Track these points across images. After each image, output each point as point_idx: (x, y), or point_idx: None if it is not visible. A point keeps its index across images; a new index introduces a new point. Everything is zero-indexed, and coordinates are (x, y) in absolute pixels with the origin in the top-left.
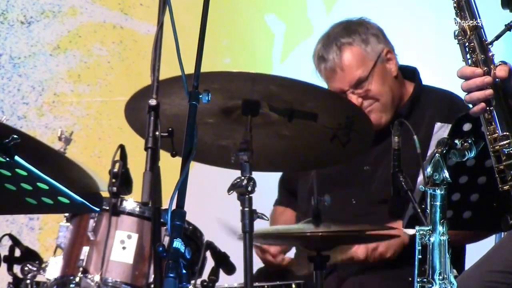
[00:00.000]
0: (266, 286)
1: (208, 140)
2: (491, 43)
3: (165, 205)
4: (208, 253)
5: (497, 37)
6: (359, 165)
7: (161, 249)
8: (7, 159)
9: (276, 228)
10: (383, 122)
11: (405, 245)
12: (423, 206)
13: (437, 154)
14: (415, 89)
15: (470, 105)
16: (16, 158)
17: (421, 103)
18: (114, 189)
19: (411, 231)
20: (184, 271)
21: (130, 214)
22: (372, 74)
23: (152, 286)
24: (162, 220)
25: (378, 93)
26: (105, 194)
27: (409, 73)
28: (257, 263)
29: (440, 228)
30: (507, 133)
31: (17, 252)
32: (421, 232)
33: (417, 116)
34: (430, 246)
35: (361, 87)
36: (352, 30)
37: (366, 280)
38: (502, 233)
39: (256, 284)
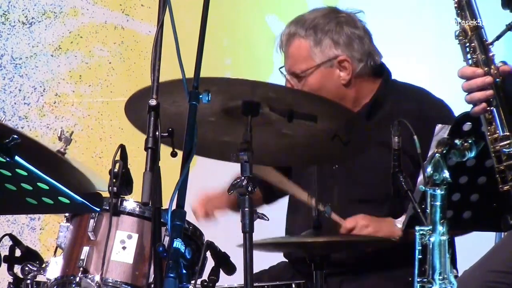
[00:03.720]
0: (266, 286)
1: (210, 136)
2: (492, 43)
3: (165, 205)
4: (208, 253)
5: (498, 37)
6: (329, 165)
7: (161, 249)
8: (8, 159)
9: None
10: None
11: (396, 239)
12: (423, 206)
13: (437, 154)
14: (379, 87)
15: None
16: (16, 158)
17: (389, 101)
18: (115, 189)
19: (400, 224)
20: (184, 271)
21: (130, 214)
22: (310, 74)
23: (152, 286)
24: (162, 220)
25: (317, 88)
26: (105, 194)
27: (378, 71)
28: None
29: (440, 228)
30: (508, 133)
31: (18, 252)
32: (421, 232)
33: (383, 114)
34: (430, 246)
35: (297, 79)
36: (314, 26)
37: (365, 280)
38: (502, 233)
39: (256, 284)
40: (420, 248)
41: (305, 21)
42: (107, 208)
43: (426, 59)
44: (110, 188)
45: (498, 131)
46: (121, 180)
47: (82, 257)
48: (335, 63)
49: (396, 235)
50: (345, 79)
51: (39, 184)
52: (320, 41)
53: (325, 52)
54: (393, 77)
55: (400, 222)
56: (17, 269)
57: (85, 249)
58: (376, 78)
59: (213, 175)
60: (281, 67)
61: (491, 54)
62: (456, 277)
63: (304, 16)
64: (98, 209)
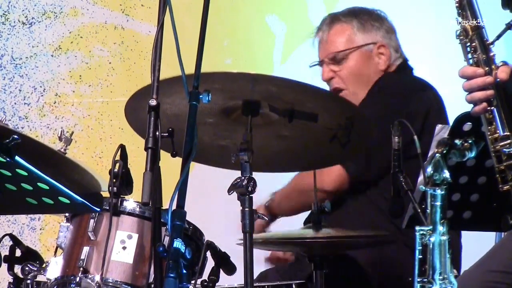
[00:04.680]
0: (266, 286)
1: (208, 140)
2: (493, 43)
3: (165, 205)
4: (208, 253)
5: (498, 37)
6: None
7: (161, 249)
8: (8, 159)
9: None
10: None
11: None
12: (423, 206)
13: (437, 154)
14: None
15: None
16: (17, 158)
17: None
18: (115, 189)
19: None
20: (184, 271)
21: (130, 214)
22: (351, 57)
23: (152, 286)
24: (162, 220)
25: (347, 80)
26: (105, 194)
27: (404, 66)
28: (258, 263)
29: (440, 228)
30: (508, 133)
31: (18, 252)
32: (421, 232)
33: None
34: (430, 246)
35: (336, 63)
36: (355, 14)
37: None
38: (502, 233)
39: (257, 284)
40: (420, 248)
41: (341, 12)
42: (107, 208)
43: (426, 59)
44: (110, 188)
45: (498, 131)
46: (121, 180)
47: (82, 257)
48: (375, 49)
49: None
50: (383, 65)
51: (39, 184)
52: (363, 26)
53: (366, 36)
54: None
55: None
56: (17, 269)
57: (85, 249)
58: (402, 72)
59: (213, 175)
60: (313, 64)
61: (491, 54)
62: (456, 277)
63: (342, 11)
64: (98, 209)
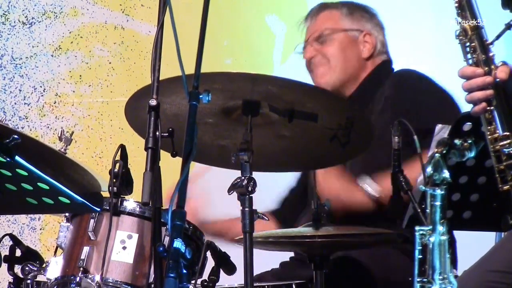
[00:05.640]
0: (266, 286)
1: (208, 140)
2: (492, 43)
3: (165, 205)
4: (208, 253)
5: (498, 37)
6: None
7: (161, 249)
8: (8, 159)
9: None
10: (324, 81)
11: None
12: (423, 206)
13: (437, 154)
14: (373, 70)
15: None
16: (17, 158)
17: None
18: (115, 189)
19: (366, 186)
20: (184, 271)
21: (130, 214)
22: (336, 38)
23: (152, 286)
24: (162, 220)
25: (331, 55)
26: (105, 194)
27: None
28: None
29: (440, 228)
30: (508, 133)
31: (18, 252)
32: (421, 232)
33: (368, 98)
34: (430, 246)
35: (321, 42)
36: (346, 4)
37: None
38: (502, 233)
39: (257, 284)
40: (420, 248)
41: (337, 2)
42: (107, 208)
43: (426, 58)
44: (110, 188)
45: (498, 131)
46: (121, 180)
47: (82, 257)
48: (360, 36)
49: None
50: (367, 53)
51: (39, 184)
52: (351, 14)
53: (354, 23)
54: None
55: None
56: (17, 269)
57: (85, 249)
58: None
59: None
60: (298, 46)
61: (491, 54)
62: (456, 277)
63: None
64: (98, 209)
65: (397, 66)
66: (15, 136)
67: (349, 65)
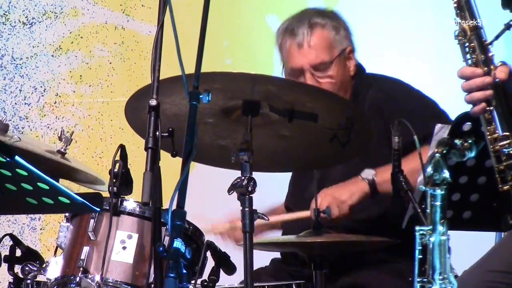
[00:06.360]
0: (266, 286)
1: (208, 140)
2: (491, 43)
3: (165, 205)
4: (208, 253)
5: (497, 37)
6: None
7: (161, 249)
8: (8, 159)
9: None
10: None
11: (367, 193)
12: (423, 206)
13: (437, 154)
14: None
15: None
16: (17, 158)
17: (361, 95)
18: (115, 189)
19: (368, 174)
20: (184, 271)
21: (130, 214)
22: (335, 63)
23: (152, 286)
24: (162, 220)
25: (338, 79)
26: (105, 194)
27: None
28: (258, 264)
29: (440, 228)
30: (507, 133)
31: (18, 252)
32: (421, 232)
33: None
34: (430, 246)
35: (322, 70)
36: (327, 15)
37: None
38: (502, 233)
39: (256, 284)
40: (420, 248)
41: (312, 13)
42: (107, 208)
43: (426, 59)
44: (110, 188)
45: (497, 131)
46: (121, 180)
47: (82, 257)
48: (346, 53)
49: (367, 190)
50: (353, 71)
51: (39, 184)
52: (338, 28)
53: (342, 41)
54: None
55: (365, 173)
56: (17, 269)
57: (85, 249)
58: (359, 73)
59: (213, 175)
60: (283, 68)
61: (490, 54)
62: (456, 277)
63: (306, 11)
64: (98, 209)
65: (397, 66)
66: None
67: (345, 87)
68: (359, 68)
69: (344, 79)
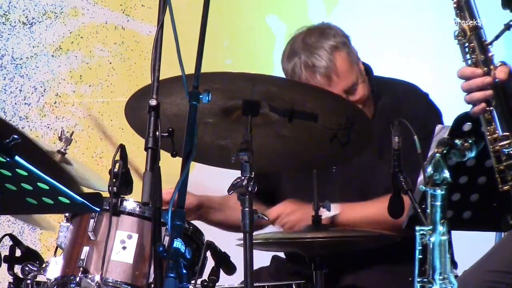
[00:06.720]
0: (266, 286)
1: (208, 140)
2: (491, 43)
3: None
4: (208, 253)
5: (497, 37)
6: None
7: (161, 249)
8: (8, 159)
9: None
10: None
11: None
12: (423, 206)
13: (437, 154)
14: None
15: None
16: (17, 158)
17: (376, 97)
18: (115, 189)
19: (328, 211)
20: (184, 271)
21: (130, 214)
22: (359, 77)
23: (152, 286)
24: (162, 220)
25: (364, 96)
26: (105, 194)
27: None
28: (258, 264)
29: (440, 228)
30: (507, 133)
31: (18, 252)
32: (421, 232)
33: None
34: (430, 246)
35: (353, 92)
36: (328, 33)
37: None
38: (502, 233)
39: (256, 284)
40: (420, 248)
41: (317, 40)
42: (107, 208)
43: (426, 59)
44: (110, 188)
45: (497, 131)
46: (121, 180)
47: (82, 257)
48: (362, 70)
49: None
50: (364, 71)
51: (39, 184)
52: (345, 42)
53: (353, 50)
54: (393, 76)
55: (323, 212)
56: (17, 269)
57: (85, 249)
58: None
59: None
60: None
61: (490, 54)
62: (456, 277)
63: (309, 39)
64: (98, 209)
65: (397, 66)
66: (15, 136)
67: (366, 86)
68: (367, 69)
69: (369, 94)
